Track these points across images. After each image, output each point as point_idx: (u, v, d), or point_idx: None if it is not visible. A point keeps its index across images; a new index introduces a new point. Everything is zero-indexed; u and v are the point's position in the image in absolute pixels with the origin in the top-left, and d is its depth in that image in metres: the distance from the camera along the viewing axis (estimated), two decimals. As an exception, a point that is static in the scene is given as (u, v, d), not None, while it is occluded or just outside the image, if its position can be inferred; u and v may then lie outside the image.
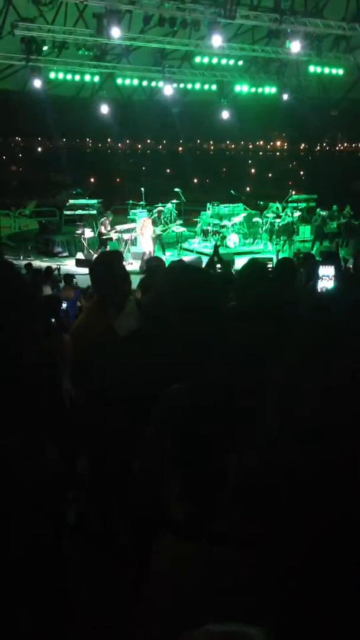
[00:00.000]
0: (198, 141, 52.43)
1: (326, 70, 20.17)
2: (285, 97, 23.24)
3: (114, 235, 18.27)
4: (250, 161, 47.08)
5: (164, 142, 49.88)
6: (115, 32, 15.34)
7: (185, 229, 20.43)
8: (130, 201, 20.76)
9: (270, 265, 9.77)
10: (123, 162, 41.30)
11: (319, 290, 4.00)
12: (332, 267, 4.66)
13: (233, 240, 19.40)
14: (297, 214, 20.45)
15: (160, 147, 51.20)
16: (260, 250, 19.42)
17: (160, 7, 15.61)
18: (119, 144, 50.63)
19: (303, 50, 18.61)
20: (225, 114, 24.60)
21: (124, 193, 23.67)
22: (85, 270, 16.80)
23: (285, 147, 49.99)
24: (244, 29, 20.77)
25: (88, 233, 18.99)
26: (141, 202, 20.29)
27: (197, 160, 43.11)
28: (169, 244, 19.50)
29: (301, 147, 47.02)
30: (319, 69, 20.09)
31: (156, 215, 19.38)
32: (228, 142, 52.11)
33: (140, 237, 18.29)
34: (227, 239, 19.27)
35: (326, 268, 4.64)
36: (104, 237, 18.32)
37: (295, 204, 21.24)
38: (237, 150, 51.42)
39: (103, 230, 17.91)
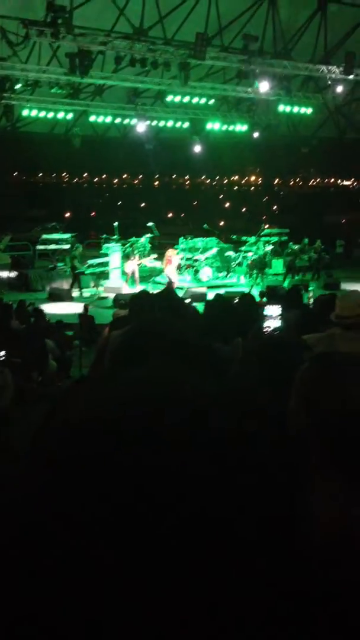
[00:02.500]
0: (174, 176, 53.17)
1: (295, 109, 20.71)
2: (256, 135, 23.77)
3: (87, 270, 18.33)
4: (224, 196, 47.81)
5: (140, 177, 50.51)
6: (88, 72, 15.61)
7: (160, 263, 20.57)
8: (104, 235, 20.86)
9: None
10: (99, 196, 41.69)
11: (263, 331, 4.00)
12: (277, 306, 4.65)
13: (206, 273, 19.52)
14: (269, 247, 20.72)
15: (136, 181, 51.80)
16: (233, 284, 19.55)
17: (132, 48, 15.98)
18: (95, 179, 51.11)
19: (272, 90, 19.13)
20: (198, 150, 25.06)
21: (99, 227, 23.78)
22: (59, 304, 16.84)
23: (259, 182, 50.92)
24: (215, 69, 21.29)
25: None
26: (115, 236, 20.38)
27: (172, 195, 43.70)
28: (142, 277, 19.55)
29: (275, 183, 47.97)
30: (288, 108, 20.60)
31: (130, 249, 19.50)
32: (203, 177, 52.93)
33: (165, 268, 18.60)
34: (200, 273, 19.38)
35: (271, 307, 4.63)
36: (77, 271, 18.34)
37: (267, 238, 21.54)
38: (212, 185, 52.22)
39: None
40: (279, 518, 0.50)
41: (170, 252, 18.98)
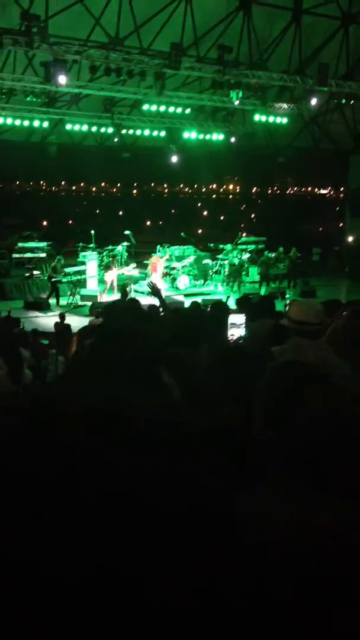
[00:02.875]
0: (152, 184, 53.29)
1: (271, 119, 20.90)
2: (232, 139, 23.91)
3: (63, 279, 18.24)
4: (202, 204, 48.05)
5: (118, 185, 50.55)
6: (62, 80, 15.58)
7: (139, 272, 20.56)
8: (81, 244, 20.80)
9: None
10: (76, 205, 41.56)
11: (228, 339, 4.00)
12: (242, 315, 4.64)
13: (183, 281, 19.54)
14: (245, 255, 20.83)
15: (114, 190, 51.81)
16: (210, 292, 19.60)
17: (107, 57, 16.01)
18: (73, 187, 50.99)
19: (247, 100, 19.31)
20: (175, 159, 25.15)
21: (76, 235, 23.69)
22: (35, 313, 16.71)
23: (237, 190, 51.27)
24: (191, 79, 21.42)
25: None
26: (91, 245, 20.33)
27: (150, 203, 43.76)
28: (120, 286, 19.51)
29: (253, 191, 48.34)
30: (263, 118, 20.79)
31: (110, 259, 19.45)
32: (182, 185, 53.14)
33: (151, 275, 18.52)
34: (177, 281, 19.41)
35: (236, 316, 4.62)
36: (54, 279, 18.25)
37: (244, 246, 21.66)
38: (191, 194, 52.43)
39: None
40: (208, 517, 0.54)
41: (154, 259, 19.02)
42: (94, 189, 51.80)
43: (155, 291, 4.68)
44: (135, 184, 49.97)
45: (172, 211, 42.73)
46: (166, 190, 53.39)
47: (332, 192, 42.69)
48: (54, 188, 48.41)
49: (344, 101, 18.52)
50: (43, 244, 21.41)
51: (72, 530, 0.48)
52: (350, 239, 24.48)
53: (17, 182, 46.02)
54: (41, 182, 47.16)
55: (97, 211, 42.02)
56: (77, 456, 0.52)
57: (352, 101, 18.84)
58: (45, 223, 34.47)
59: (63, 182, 49.09)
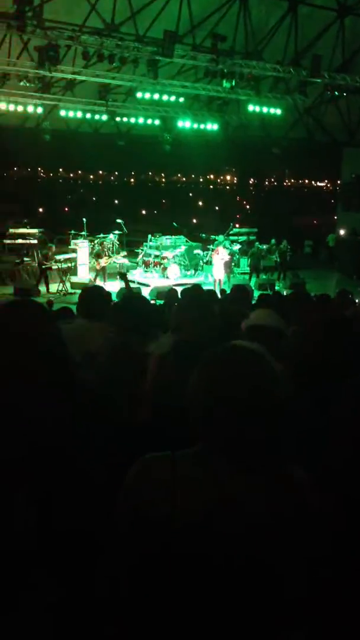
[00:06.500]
0: (150, 173, 53.12)
1: (265, 109, 20.83)
2: (226, 133, 23.88)
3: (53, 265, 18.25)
4: (197, 194, 47.99)
5: (116, 173, 50.39)
6: (56, 66, 15.53)
7: (127, 260, 20.56)
8: (72, 231, 20.80)
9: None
10: (72, 192, 41.47)
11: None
12: None
13: (173, 271, 19.57)
14: (236, 247, 20.85)
15: (112, 178, 51.66)
16: (201, 282, 19.63)
17: (101, 44, 15.93)
18: (71, 175, 50.80)
19: (242, 90, 19.24)
20: (169, 148, 25.11)
21: (71, 223, 23.66)
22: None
23: (234, 181, 51.16)
24: (187, 67, 21.33)
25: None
26: (83, 232, 20.34)
27: (146, 192, 43.67)
28: (110, 274, 19.55)
29: (250, 182, 48.27)
30: (257, 108, 20.73)
31: (99, 247, 19.47)
32: (179, 175, 52.97)
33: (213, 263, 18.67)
34: (167, 270, 19.44)
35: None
36: (44, 266, 18.26)
37: (235, 237, 21.67)
38: (186, 183, 52.29)
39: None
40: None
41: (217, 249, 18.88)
42: (91, 176, 51.61)
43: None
44: (132, 173, 49.83)
45: (163, 201, 42.65)
46: (164, 180, 53.26)
47: (328, 185, 42.67)
48: (50, 174, 48.28)
49: (336, 93, 18.42)
50: (35, 231, 21.39)
51: None
52: (342, 232, 24.50)
53: (15, 168, 45.88)
54: (38, 168, 47.04)
55: (94, 199, 41.95)
56: None
57: (345, 94, 18.76)
58: (41, 210, 34.43)
59: (60, 170, 48.93)
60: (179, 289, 8.56)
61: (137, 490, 1.42)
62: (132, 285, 17.65)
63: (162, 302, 11.64)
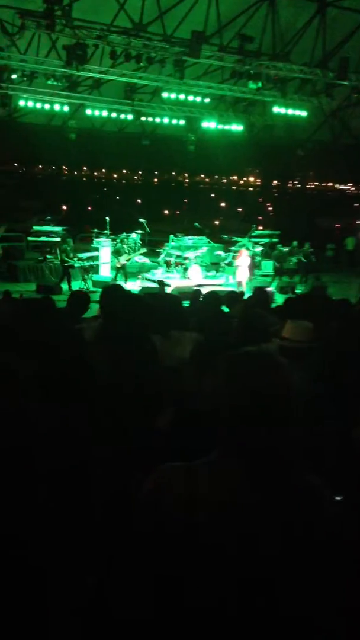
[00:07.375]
0: (173, 173, 53.14)
1: (290, 111, 20.73)
2: (251, 135, 23.79)
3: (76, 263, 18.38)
4: (221, 195, 47.89)
5: (140, 173, 50.52)
6: (83, 65, 15.63)
7: (148, 259, 20.61)
8: (95, 229, 20.91)
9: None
10: (96, 191, 41.70)
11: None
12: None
13: (195, 272, 19.56)
14: (258, 249, 20.77)
15: (135, 178, 51.81)
16: (222, 284, 19.59)
17: (129, 43, 16.00)
18: (94, 173, 51.05)
19: (268, 92, 19.15)
20: (194, 148, 25.11)
21: (94, 221, 23.79)
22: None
23: (258, 183, 50.96)
24: (213, 68, 21.30)
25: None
26: (105, 231, 20.44)
27: (170, 192, 43.71)
28: (132, 273, 19.63)
29: (273, 184, 48.07)
30: (283, 110, 20.63)
31: (120, 245, 19.55)
32: (202, 175, 52.90)
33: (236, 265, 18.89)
34: (188, 271, 19.43)
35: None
36: (66, 264, 18.39)
37: (257, 239, 21.60)
38: (209, 184, 52.19)
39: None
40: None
41: (241, 252, 19.07)
42: (115, 175, 51.80)
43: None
44: (156, 172, 49.89)
45: (185, 200, 42.64)
46: (187, 180, 53.26)
47: (353, 188, 42.29)
48: (75, 172, 48.54)
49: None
50: (58, 229, 21.56)
51: None
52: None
53: (40, 166, 46.26)
54: (62, 166, 47.35)
55: (117, 197, 42.12)
56: None
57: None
58: (64, 207, 34.69)
59: (84, 168, 49.19)
60: (203, 290, 8.63)
61: (155, 504, 1.41)
62: (153, 285, 17.74)
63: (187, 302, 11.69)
